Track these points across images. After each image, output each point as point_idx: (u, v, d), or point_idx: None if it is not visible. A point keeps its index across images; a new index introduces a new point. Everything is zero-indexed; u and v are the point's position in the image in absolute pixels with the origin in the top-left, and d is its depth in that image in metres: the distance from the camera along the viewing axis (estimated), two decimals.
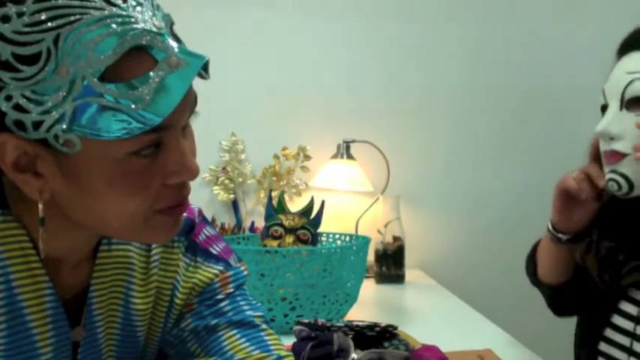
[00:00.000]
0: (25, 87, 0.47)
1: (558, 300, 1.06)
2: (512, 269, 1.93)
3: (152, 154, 0.52)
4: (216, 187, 1.84)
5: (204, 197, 1.84)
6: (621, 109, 0.85)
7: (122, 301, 0.66)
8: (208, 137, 1.82)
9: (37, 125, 0.47)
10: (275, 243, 1.23)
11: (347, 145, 1.81)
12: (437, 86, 1.94)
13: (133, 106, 0.48)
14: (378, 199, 1.81)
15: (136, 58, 0.48)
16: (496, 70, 1.96)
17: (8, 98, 0.47)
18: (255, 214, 1.86)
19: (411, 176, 1.92)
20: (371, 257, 1.55)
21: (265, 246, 1.23)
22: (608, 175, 0.87)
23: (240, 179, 1.85)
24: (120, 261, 0.66)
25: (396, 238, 1.73)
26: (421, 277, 1.80)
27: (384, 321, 0.95)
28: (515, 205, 1.95)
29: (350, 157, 1.81)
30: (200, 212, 0.74)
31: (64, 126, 0.47)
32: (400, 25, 1.92)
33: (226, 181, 1.84)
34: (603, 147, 0.88)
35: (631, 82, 0.84)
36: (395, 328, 0.93)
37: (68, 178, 0.52)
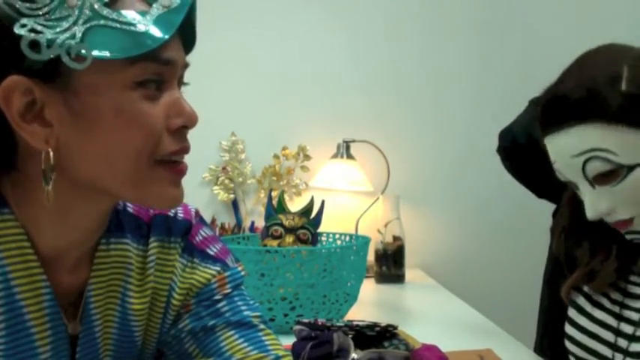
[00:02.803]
0: (39, 16, 0.51)
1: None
2: (512, 269, 1.94)
3: (154, 95, 0.56)
4: (216, 187, 1.84)
5: (204, 197, 1.84)
6: (594, 187, 0.80)
7: (119, 301, 0.66)
8: (208, 137, 1.82)
9: (50, 43, 0.50)
10: (275, 243, 1.23)
11: (347, 145, 1.81)
12: (438, 86, 1.94)
13: (134, 28, 0.53)
14: (378, 199, 1.81)
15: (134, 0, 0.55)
16: (499, 70, 1.96)
17: (23, 25, 0.50)
18: (255, 214, 1.86)
19: (411, 176, 1.92)
20: (371, 257, 1.55)
21: (265, 246, 1.23)
22: (630, 237, 0.83)
23: (240, 179, 1.85)
24: (118, 261, 0.65)
25: (396, 238, 1.73)
26: (421, 277, 1.80)
27: (384, 321, 0.95)
28: (515, 205, 1.95)
29: (350, 157, 1.81)
30: (197, 213, 0.74)
31: (76, 41, 0.51)
32: (402, 25, 1.92)
33: (226, 181, 1.84)
34: (605, 220, 0.83)
35: (584, 164, 0.79)
36: (395, 328, 0.93)
37: (76, 118, 0.53)
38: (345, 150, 1.81)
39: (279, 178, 1.86)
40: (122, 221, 0.67)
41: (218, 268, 0.70)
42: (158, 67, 0.55)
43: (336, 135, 1.83)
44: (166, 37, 0.54)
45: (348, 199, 1.89)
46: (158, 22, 0.54)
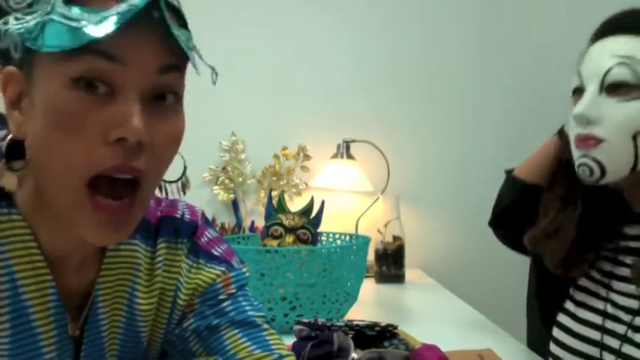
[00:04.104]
0: (19, 10, 0.52)
1: (518, 206, 1.07)
2: (512, 269, 1.94)
3: (97, 99, 0.51)
4: (216, 187, 1.84)
5: (204, 197, 1.84)
6: (600, 93, 0.83)
7: (126, 301, 0.66)
8: (208, 137, 1.82)
9: (4, 34, 0.52)
10: (275, 242, 1.23)
11: (347, 144, 1.82)
12: (437, 86, 1.94)
13: (76, 23, 0.50)
14: (378, 198, 1.81)
15: None
16: (499, 70, 1.96)
17: (6, 22, 0.52)
18: (255, 214, 1.86)
19: (411, 176, 1.92)
20: (371, 257, 1.55)
21: (265, 245, 1.23)
22: (580, 160, 0.85)
23: (240, 179, 1.85)
24: (127, 261, 0.66)
25: (396, 238, 1.73)
26: (421, 276, 1.80)
27: (384, 321, 0.96)
28: None
29: (350, 156, 1.81)
30: (203, 215, 0.75)
31: (27, 32, 0.51)
32: (402, 25, 1.92)
33: (226, 181, 1.84)
34: (576, 130, 0.86)
35: (613, 66, 0.82)
36: (395, 327, 0.93)
37: (32, 111, 0.53)
38: (345, 150, 1.81)
39: (279, 178, 1.86)
40: None
41: (223, 269, 0.70)
42: (99, 61, 0.50)
43: (336, 135, 1.83)
44: (109, 30, 0.49)
45: (348, 199, 1.90)
46: (109, 17, 0.50)
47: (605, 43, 0.85)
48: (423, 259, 1.92)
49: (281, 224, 1.25)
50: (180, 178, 0.66)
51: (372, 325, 0.92)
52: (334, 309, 1.19)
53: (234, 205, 1.85)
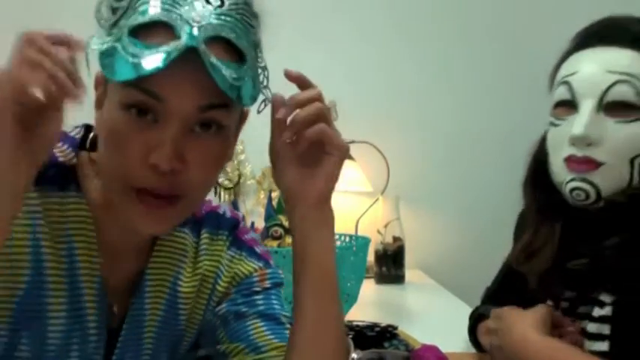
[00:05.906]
0: (105, 28, 0.58)
1: None
2: None
3: (143, 125, 0.57)
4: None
5: None
6: (598, 111, 0.77)
7: (170, 284, 0.71)
8: None
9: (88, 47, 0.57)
10: (275, 243, 1.24)
11: None
12: (437, 87, 1.95)
13: (132, 58, 0.54)
14: (377, 199, 1.81)
15: (162, 30, 0.55)
16: (497, 69, 1.96)
17: (92, 37, 0.57)
18: (254, 215, 1.86)
19: (411, 176, 1.92)
20: (371, 258, 1.55)
21: (265, 246, 1.23)
22: (573, 184, 0.79)
23: (240, 180, 1.85)
24: (177, 247, 0.71)
25: (395, 239, 1.73)
26: (421, 277, 1.80)
27: (384, 321, 0.96)
28: (514, 206, 1.95)
29: (349, 157, 1.81)
30: (243, 218, 0.82)
31: (99, 50, 0.56)
32: (400, 26, 1.93)
33: (226, 182, 1.84)
34: (569, 151, 0.79)
35: (614, 83, 0.76)
36: (395, 328, 0.94)
37: (103, 116, 0.61)
38: None
39: None
40: None
41: (261, 264, 0.76)
42: (142, 96, 0.56)
43: None
44: (157, 66, 0.53)
45: (347, 200, 1.89)
46: (158, 55, 0.54)
47: (596, 54, 0.80)
48: (422, 259, 1.92)
49: (281, 225, 1.25)
50: (236, 185, 0.72)
51: (372, 326, 0.92)
52: None
53: (234, 206, 1.85)
